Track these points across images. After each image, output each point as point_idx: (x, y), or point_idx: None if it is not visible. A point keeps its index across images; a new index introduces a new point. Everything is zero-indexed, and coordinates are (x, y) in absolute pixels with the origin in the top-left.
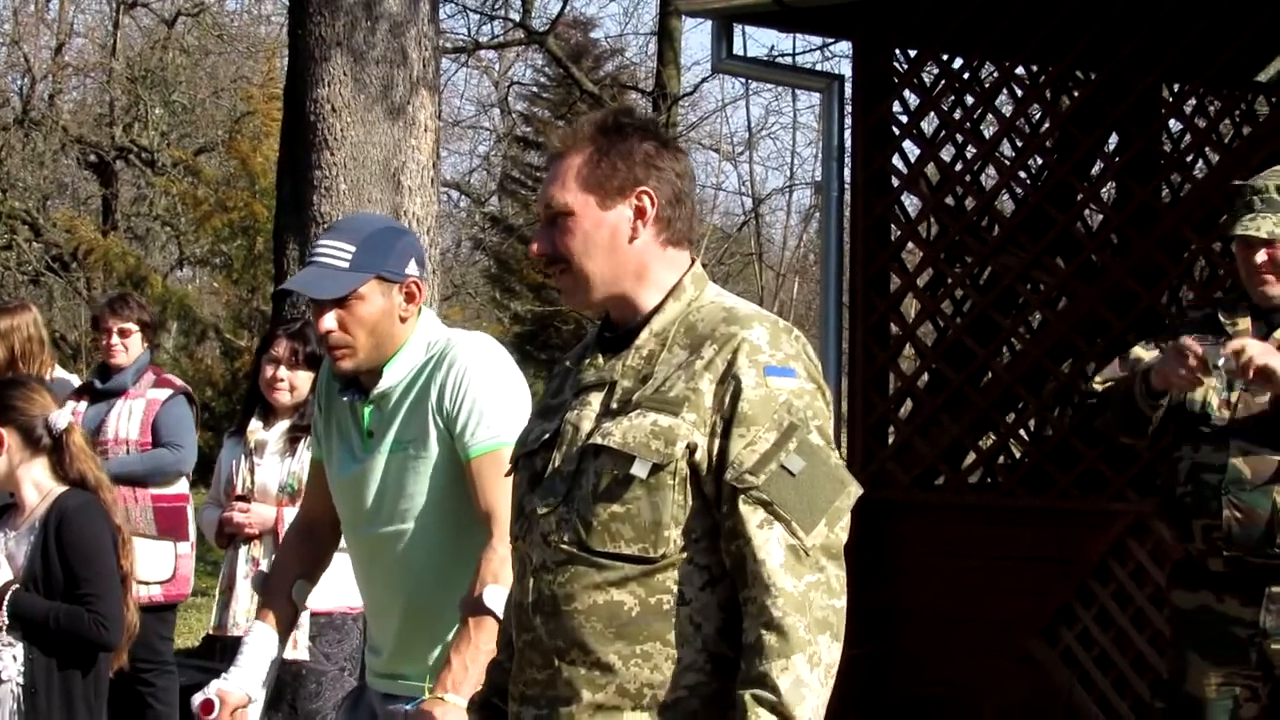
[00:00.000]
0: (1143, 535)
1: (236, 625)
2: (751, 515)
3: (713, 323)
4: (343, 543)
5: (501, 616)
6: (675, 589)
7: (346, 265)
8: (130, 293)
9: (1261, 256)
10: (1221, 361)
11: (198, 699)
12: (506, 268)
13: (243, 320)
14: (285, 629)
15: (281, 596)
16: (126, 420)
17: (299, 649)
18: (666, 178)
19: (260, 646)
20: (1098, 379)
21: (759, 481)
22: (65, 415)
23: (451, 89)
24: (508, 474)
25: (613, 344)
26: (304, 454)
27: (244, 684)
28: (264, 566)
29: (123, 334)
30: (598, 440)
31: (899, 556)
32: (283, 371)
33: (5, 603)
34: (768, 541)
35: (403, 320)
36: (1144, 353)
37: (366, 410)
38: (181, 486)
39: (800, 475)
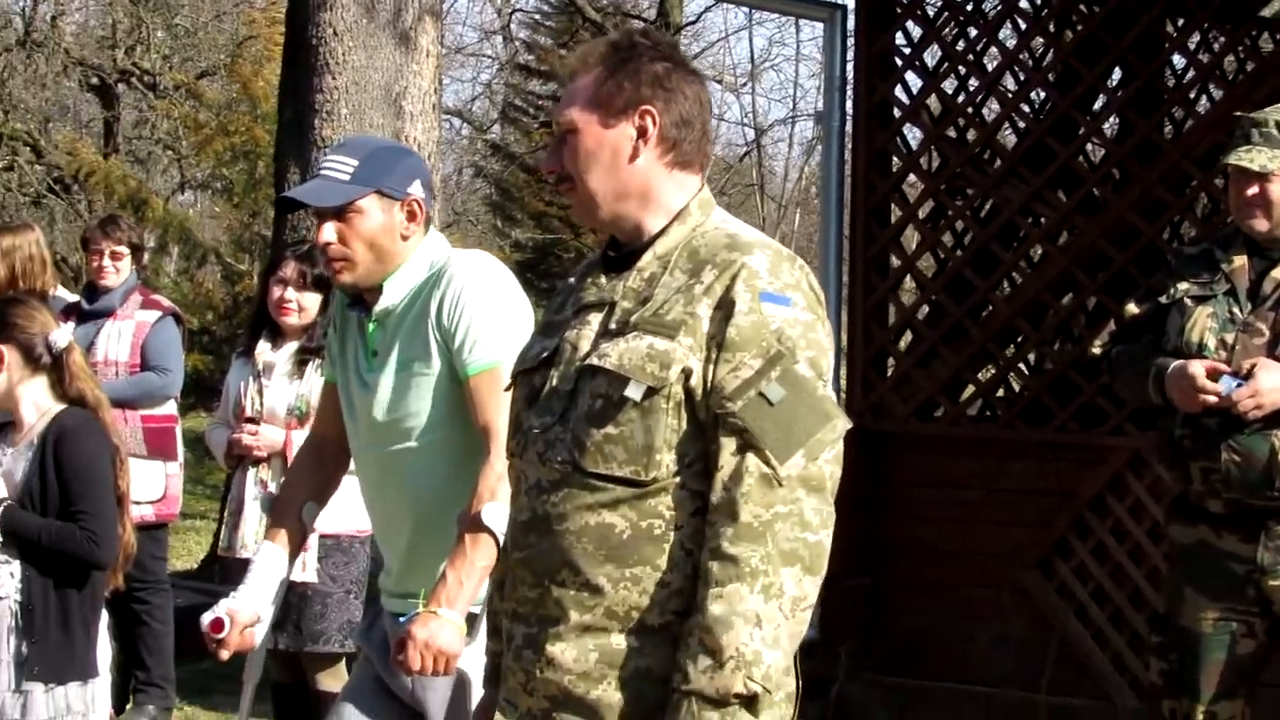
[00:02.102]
0: (1141, 470)
1: (245, 547)
2: (727, 442)
3: (715, 248)
4: (352, 466)
5: (499, 533)
6: (667, 514)
7: (347, 178)
8: (121, 214)
9: (1253, 189)
10: (1233, 394)
11: (207, 617)
12: (508, 195)
13: (243, 244)
14: (294, 550)
15: (291, 517)
16: (116, 342)
17: (306, 571)
18: (675, 99)
19: (269, 566)
20: (1097, 343)
21: (736, 408)
22: (65, 334)
23: (454, 16)
24: (506, 389)
25: (616, 264)
26: (312, 376)
27: (253, 603)
28: (272, 488)
29: (114, 256)
30: (594, 361)
31: (897, 488)
32: (290, 293)
33: None
34: (739, 469)
35: (404, 239)
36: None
37: (371, 328)
38: (170, 407)
39: (780, 404)
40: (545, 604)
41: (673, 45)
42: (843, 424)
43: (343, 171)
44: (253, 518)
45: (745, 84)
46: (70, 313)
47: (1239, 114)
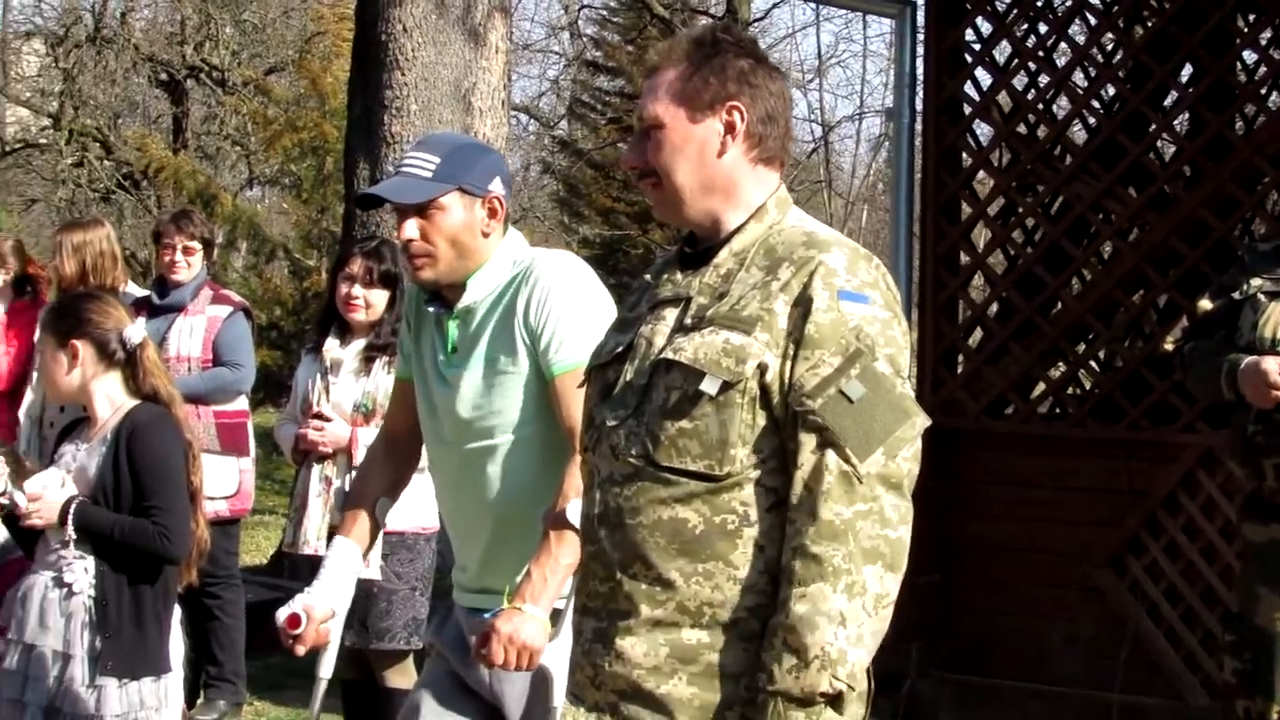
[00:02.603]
0: (1213, 468)
1: (307, 543)
2: (807, 440)
3: (792, 245)
4: (421, 463)
5: None
6: (741, 509)
7: (430, 175)
8: (193, 209)
9: None
10: None
11: (283, 613)
12: (575, 191)
13: (311, 240)
14: (368, 545)
15: (364, 513)
16: (188, 337)
17: (371, 568)
18: (760, 95)
19: (343, 562)
20: (1169, 339)
21: (815, 405)
22: (139, 329)
23: (521, 12)
24: (580, 385)
25: (692, 260)
26: (379, 373)
27: (328, 598)
28: (336, 485)
29: (186, 250)
30: (669, 355)
31: (967, 486)
32: (357, 289)
33: (71, 516)
34: (819, 467)
35: (485, 235)
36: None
37: (451, 325)
38: (241, 403)
39: (859, 402)
40: (616, 598)
41: (754, 42)
42: (922, 421)
43: (425, 168)
44: (316, 513)
45: (812, 80)
46: (141, 308)
47: None
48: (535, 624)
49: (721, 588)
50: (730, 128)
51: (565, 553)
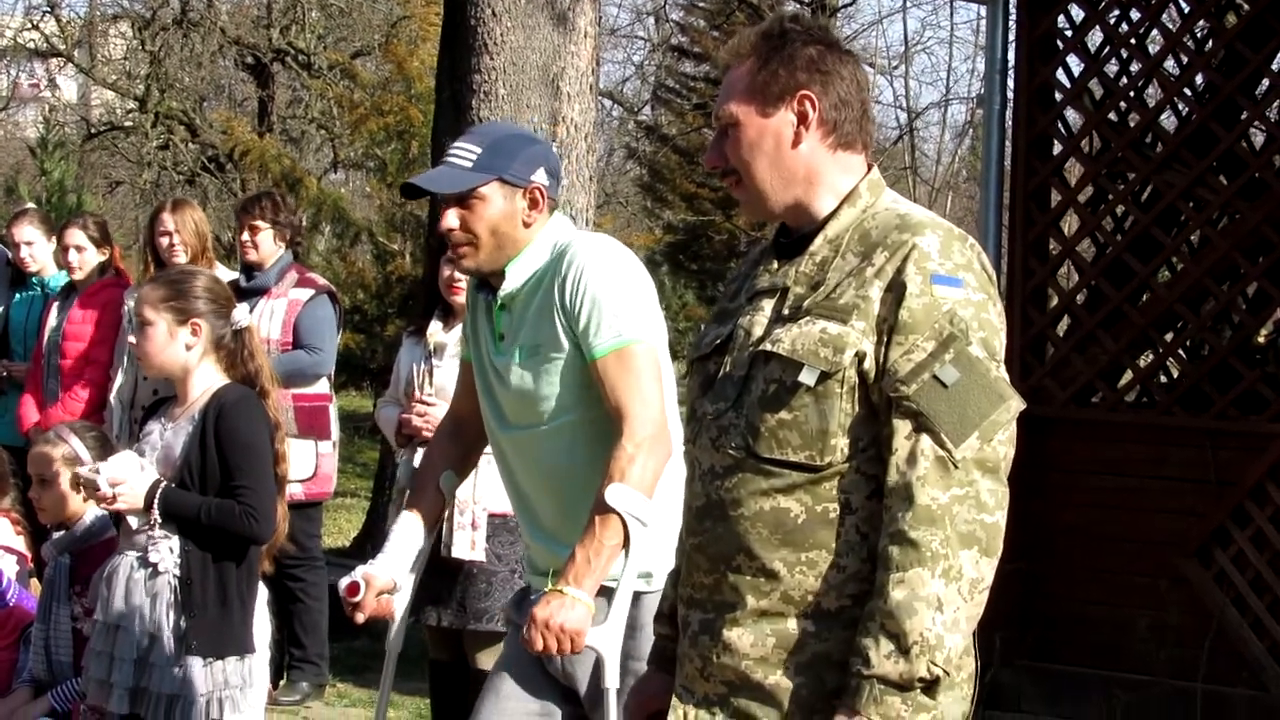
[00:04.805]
0: None
1: None
2: (902, 425)
3: (886, 229)
4: None
5: (627, 514)
6: (842, 497)
7: (470, 165)
8: (271, 191)
9: None
10: None
11: (344, 581)
12: (659, 177)
13: (395, 224)
14: (432, 520)
15: (429, 488)
16: (269, 320)
17: (475, 549)
18: (831, 81)
19: (407, 535)
20: (1263, 331)
21: (910, 391)
22: (244, 313)
23: None
24: (683, 378)
25: (788, 249)
26: None
27: (390, 569)
28: None
29: (252, 230)
30: (767, 347)
31: (1055, 473)
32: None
33: (157, 502)
34: (915, 452)
35: (526, 225)
36: None
37: (498, 312)
38: (323, 386)
39: (954, 387)
40: (722, 589)
41: (824, 28)
42: (1016, 404)
43: (466, 158)
44: None
45: (898, 67)
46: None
47: None
48: (577, 606)
49: (825, 576)
50: (803, 117)
51: (609, 535)
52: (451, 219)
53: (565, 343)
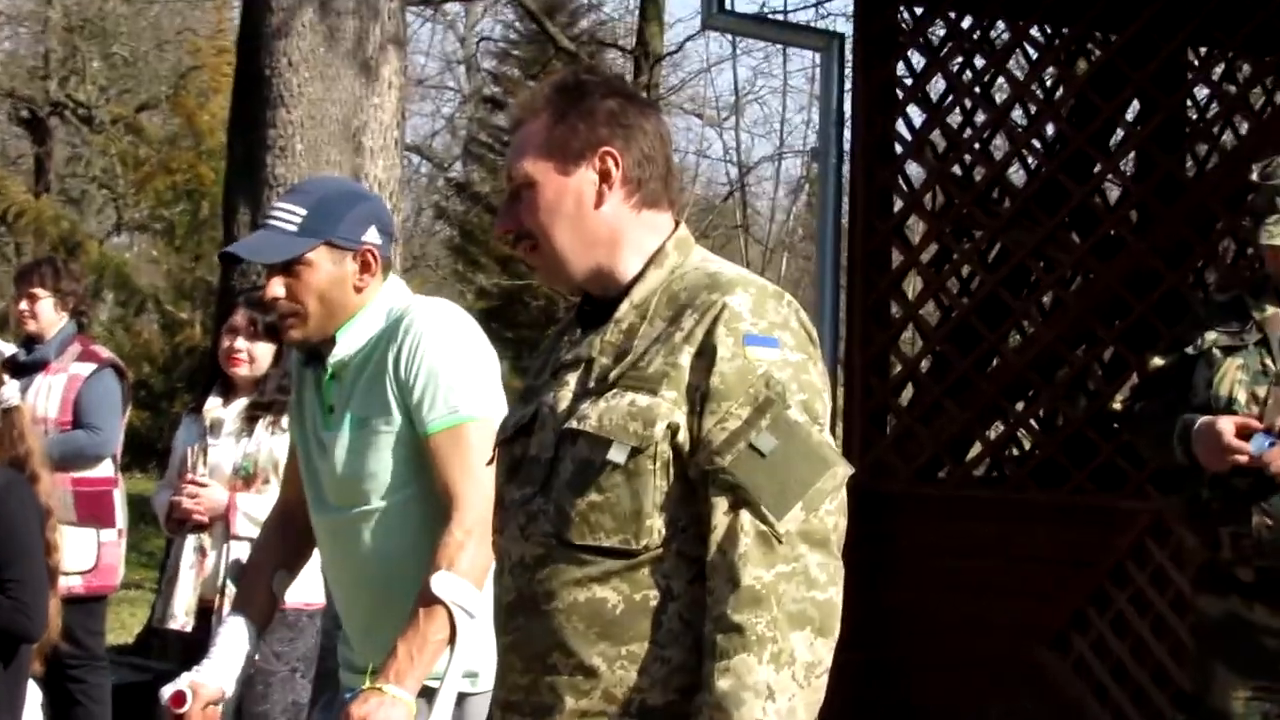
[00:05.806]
0: (1163, 536)
1: (175, 617)
2: (719, 501)
3: (695, 290)
4: None
5: (453, 604)
6: (662, 583)
7: (295, 229)
8: (51, 257)
9: None
10: (1265, 454)
11: (168, 690)
12: (471, 238)
13: (185, 291)
14: (262, 622)
15: (259, 587)
16: (46, 397)
17: None
18: (634, 135)
19: (235, 639)
20: (1118, 398)
21: (725, 463)
22: (14, 390)
23: (414, 45)
24: (489, 462)
25: (592, 318)
26: (261, 434)
27: (218, 677)
28: (212, 556)
29: (31, 299)
30: (573, 424)
31: (897, 554)
32: (240, 342)
33: None
34: (734, 529)
35: (358, 290)
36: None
37: (327, 383)
38: (107, 469)
39: (772, 455)
40: (538, 691)
41: (621, 79)
42: (844, 470)
43: (290, 222)
44: (187, 586)
45: (728, 118)
46: (7, 365)
47: (1256, 178)
48: (397, 705)
49: (648, 670)
50: (605, 175)
51: (434, 628)
52: (276, 288)
53: (398, 416)
